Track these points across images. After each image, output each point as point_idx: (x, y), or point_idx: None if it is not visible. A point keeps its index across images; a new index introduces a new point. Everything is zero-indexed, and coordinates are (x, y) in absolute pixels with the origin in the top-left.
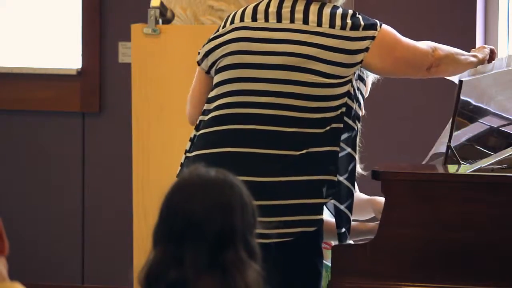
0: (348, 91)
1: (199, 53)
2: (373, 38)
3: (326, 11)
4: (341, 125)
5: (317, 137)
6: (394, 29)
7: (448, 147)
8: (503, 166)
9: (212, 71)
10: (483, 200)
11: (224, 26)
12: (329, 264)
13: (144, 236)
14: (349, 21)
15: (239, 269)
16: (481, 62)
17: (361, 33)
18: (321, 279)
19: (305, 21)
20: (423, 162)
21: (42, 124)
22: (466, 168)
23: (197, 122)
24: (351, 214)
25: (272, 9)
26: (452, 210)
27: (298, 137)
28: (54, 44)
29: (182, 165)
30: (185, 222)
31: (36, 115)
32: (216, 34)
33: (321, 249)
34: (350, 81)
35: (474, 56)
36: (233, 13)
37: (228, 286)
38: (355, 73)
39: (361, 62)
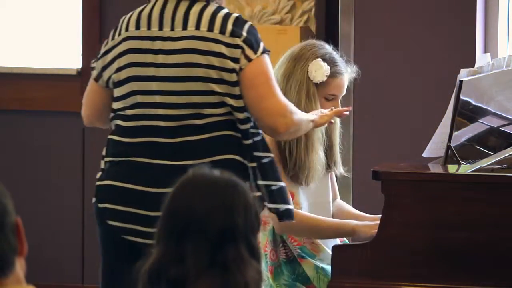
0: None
1: (93, 68)
2: (249, 60)
3: (208, 13)
4: (232, 132)
5: (218, 143)
6: (394, 28)
7: (448, 147)
8: (503, 166)
9: (110, 85)
10: (483, 200)
11: (113, 38)
12: (320, 265)
13: None
14: (230, 26)
15: (239, 267)
16: (315, 123)
17: (237, 42)
18: None
19: (198, 26)
20: (423, 154)
21: (42, 124)
22: (466, 168)
23: (113, 127)
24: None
25: (155, 14)
26: (452, 210)
27: (202, 146)
28: (54, 44)
29: (102, 170)
30: (186, 219)
31: (36, 115)
32: (107, 47)
33: None
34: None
35: (312, 120)
36: (120, 22)
37: (227, 283)
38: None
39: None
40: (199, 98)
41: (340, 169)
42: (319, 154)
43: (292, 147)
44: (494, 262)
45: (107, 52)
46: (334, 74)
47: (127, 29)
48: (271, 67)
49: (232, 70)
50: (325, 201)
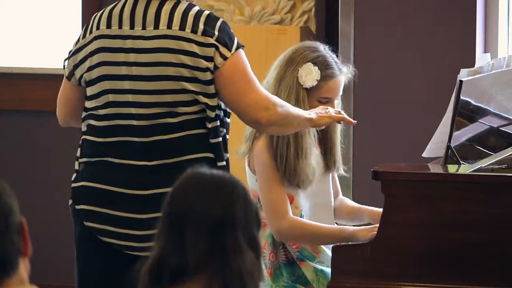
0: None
1: (64, 66)
2: (225, 58)
3: (179, 11)
4: (204, 130)
5: (191, 142)
6: (394, 28)
7: (448, 147)
8: (503, 166)
9: (82, 83)
10: (483, 200)
11: (84, 36)
12: (319, 267)
13: None
14: (201, 26)
15: (235, 255)
16: (313, 123)
17: (210, 41)
18: None
19: (169, 25)
20: (423, 154)
21: (42, 124)
22: (466, 168)
23: (84, 128)
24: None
25: (127, 12)
26: (452, 210)
27: (175, 145)
28: (54, 44)
29: (77, 171)
30: (186, 207)
31: (36, 115)
32: (78, 46)
33: None
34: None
35: (309, 119)
36: (91, 20)
37: (223, 270)
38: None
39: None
40: (172, 97)
41: (340, 170)
42: (310, 161)
43: (282, 152)
44: (494, 262)
45: (78, 50)
46: (325, 77)
47: (98, 28)
48: (247, 62)
49: (205, 69)
50: (326, 202)
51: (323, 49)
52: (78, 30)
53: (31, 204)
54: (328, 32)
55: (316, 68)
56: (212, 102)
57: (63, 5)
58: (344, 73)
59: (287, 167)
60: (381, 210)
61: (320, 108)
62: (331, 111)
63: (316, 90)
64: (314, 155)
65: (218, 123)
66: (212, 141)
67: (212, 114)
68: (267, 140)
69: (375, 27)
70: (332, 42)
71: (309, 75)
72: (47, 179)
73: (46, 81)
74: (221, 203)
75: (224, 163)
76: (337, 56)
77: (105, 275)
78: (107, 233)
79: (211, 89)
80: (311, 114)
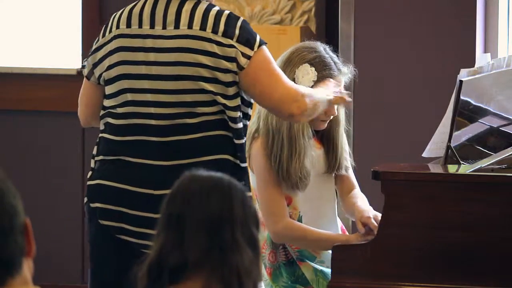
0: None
1: (84, 66)
2: (248, 57)
3: (200, 11)
4: (224, 132)
5: (210, 143)
6: (394, 28)
7: (448, 147)
8: (503, 166)
9: (101, 82)
10: (483, 200)
11: (104, 35)
12: (319, 268)
13: None
14: (222, 26)
15: (234, 252)
16: (331, 103)
17: (231, 42)
18: None
19: (190, 25)
20: (423, 154)
21: (42, 124)
22: (466, 168)
23: (102, 126)
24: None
25: (147, 11)
26: (452, 210)
27: (194, 145)
28: (54, 44)
29: (93, 169)
30: (184, 206)
31: (36, 115)
32: (97, 45)
33: None
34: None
35: (329, 100)
36: (111, 19)
37: (222, 267)
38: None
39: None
40: (191, 96)
41: (343, 170)
42: (304, 162)
43: (276, 154)
44: (494, 262)
45: (97, 49)
46: (323, 78)
47: (118, 27)
48: (271, 57)
49: (226, 70)
50: (328, 203)
51: (323, 49)
52: (78, 30)
53: (31, 204)
54: (328, 32)
55: (313, 69)
56: (231, 103)
57: (63, 5)
58: (343, 74)
59: (280, 169)
60: (364, 208)
61: (333, 86)
62: (344, 92)
63: None
64: (309, 157)
65: (241, 125)
66: (237, 142)
67: (233, 114)
68: (263, 141)
69: (375, 27)
70: (332, 42)
71: (306, 76)
72: (47, 179)
73: (46, 81)
74: (220, 201)
75: (246, 164)
76: (337, 56)
77: (121, 274)
78: (124, 231)
79: (230, 91)
80: (329, 95)
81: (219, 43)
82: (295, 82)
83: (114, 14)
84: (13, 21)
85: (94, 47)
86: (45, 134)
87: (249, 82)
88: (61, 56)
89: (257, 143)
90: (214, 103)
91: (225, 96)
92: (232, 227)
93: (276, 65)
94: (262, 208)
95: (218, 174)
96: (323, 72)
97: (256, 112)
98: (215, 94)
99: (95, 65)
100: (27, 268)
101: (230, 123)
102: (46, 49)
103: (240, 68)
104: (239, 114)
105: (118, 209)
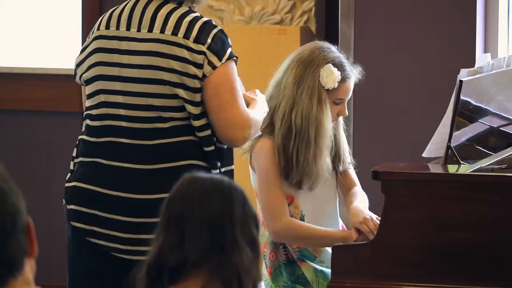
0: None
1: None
2: (214, 67)
3: (175, 16)
4: (193, 138)
5: (179, 148)
6: (394, 28)
7: (448, 147)
8: (503, 166)
9: (83, 82)
10: (483, 200)
11: (89, 37)
12: (319, 268)
13: None
14: (195, 32)
15: (234, 252)
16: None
17: (201, 48)
18: None
19: (163, 29)
20: (423, 154)
21: (42, 124)
22: (466, 168)
23: (83, 128)
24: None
25: (125, 14)
26: (452, 210)
27: (163, 150)
28: (54, 44)
29: (71, 171)
30: (184, 208)
31: (36, 115)
32: (83, 47)
33: None
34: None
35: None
36: (99, 20)
37: (221, 267)
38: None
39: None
40: (160, 101)
41: (346, 165)
42: (327, 161)
43: (300, 153)
44: (494, 262)
45: (81, 51)
46: (343, 79)
47: (98, 28)
48: (236, 75)
49: (194, 76)
50: (329, 203)
51: (336, 49)
52: (78, 30)
53: (31, 204)
54: (328, 32)
55: (336, 69)
56: (195, 110)
57: (63, 5)
58: (355, 74)
59: (303, 169)
60: (357, 212)
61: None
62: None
63: (334, 91)
64: (328, 156)
65: (210, 131)
66: (206, 149)
67: (197, 123)
68: (273, 141)
69: (375, 27)
70: (332, 42)
71: (330, 76)
72: (47, 179)
73: (46, 81)
74: (220, 202)
75: (218, 171)
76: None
77: (91, 276)
78: (95, 234)
79: (197, 97)
80: (265, 111)
81: (189, 49)
82: (319, 83)
83: (102, 16)
84: (13, 21)
85: (82, 47)
86: (45, 134)
87: (208, 92)
88: (61, 56)
89: (263, 142)
90: (182, 108)
91: (192, 103)
92: (232, 227)
93: (238, 85)
94: (262, 207)
95: (218, 176)
96: (343, 73)
97: None
98: (183, 99)
99: (77, 65)
100: (29, 268)
101: (195, 131)
102: (46, 49)
103: (203, 76)
104: (205, 121)
105: (91, 212)
